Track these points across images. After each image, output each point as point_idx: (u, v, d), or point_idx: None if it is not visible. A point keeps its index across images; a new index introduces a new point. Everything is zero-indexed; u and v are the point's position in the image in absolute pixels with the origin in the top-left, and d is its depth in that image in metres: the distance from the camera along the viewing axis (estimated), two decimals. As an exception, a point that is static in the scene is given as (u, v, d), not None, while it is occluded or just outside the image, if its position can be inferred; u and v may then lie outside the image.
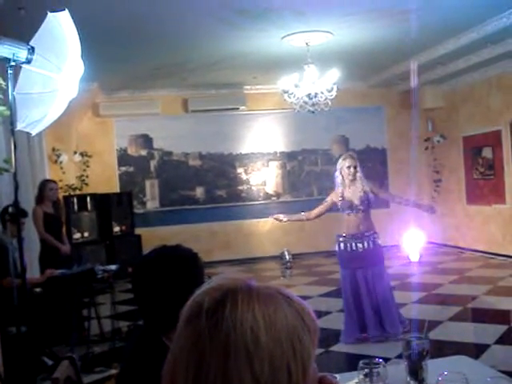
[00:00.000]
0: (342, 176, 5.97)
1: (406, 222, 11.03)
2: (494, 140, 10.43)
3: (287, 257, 10.96)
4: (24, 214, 5.89)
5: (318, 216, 6.38)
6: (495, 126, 10.35)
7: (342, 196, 5.99)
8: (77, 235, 10.30)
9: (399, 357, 2.77)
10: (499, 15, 7.51)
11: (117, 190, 11.45)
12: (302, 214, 6.59)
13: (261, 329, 0.90)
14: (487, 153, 10.74)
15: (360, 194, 5.95)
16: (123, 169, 11.67)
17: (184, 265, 1.94)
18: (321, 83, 8.13)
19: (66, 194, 10.31)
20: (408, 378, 2.11)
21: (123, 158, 11.66)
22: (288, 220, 6.72)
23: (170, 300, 1.78)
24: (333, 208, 6.19)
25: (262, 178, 12.28)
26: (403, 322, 5.94)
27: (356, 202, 5.95)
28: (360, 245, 5.93)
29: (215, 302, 0.93)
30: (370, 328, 5.84)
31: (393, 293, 6.11)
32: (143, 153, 11.76)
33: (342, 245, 6.03)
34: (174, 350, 0.96)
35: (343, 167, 5.96)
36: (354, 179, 5.93)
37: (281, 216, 6.63)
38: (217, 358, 0.89)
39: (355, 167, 5.91)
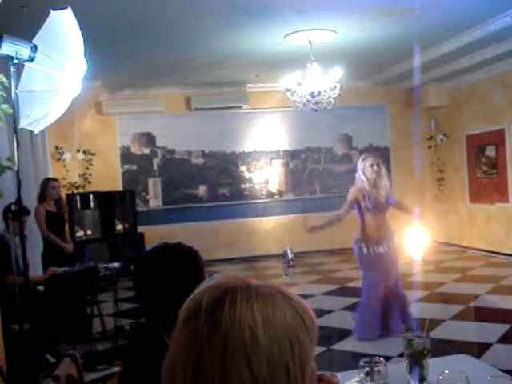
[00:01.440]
0: (366, 176, 5.81)
1: (408, 221, 11.01)
2: (498, 138, 10.42)
3: (290, 255, 10.96)
4: (26, 212, 5.89)
5: (346, 215, 6.06)
6: (498, 125, 10.33)
7: (369, 195, 5.82)
8: (80, 233, 10.31)
9: (401, 355, 2.77)
10: (503, 13, 7.50)
11: (120, 188, 11.46)
12: (334, 215, 6.18)
13: (259, 328, 0.90)
14: (490, 151, 10.73)
15: (385, 193, 5.89)
16: (126, 167, 11.68)
17: (184, 263, 1.94)
18: (324, 81, 8.13)
19: (69, 192, 10.32)
20: (409, 377, 2.11)
21: (126, 156, 11.67)
22: (322, 227, 6.36)
23: (170, 298, 1.78)
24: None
25: (265, 176, 12.27)
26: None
27: (382, 201, 5.87)
28: (382, 248, 5.87)
29: (214, 300, 0.94)
30: (393, 324, 5.85)
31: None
32: (146, 151, 11.77)
33: (364, 249, 5.89)
34: (173, 348, 0.97)
35: (365, 166, 5.82)
36: (378, 178, 5.82)
37: (316, 225, 6.43)
38: (215, 356, 0.89)
39: (378, 165, 5.81)
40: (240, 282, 0.98)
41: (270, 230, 12.12)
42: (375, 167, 5.78)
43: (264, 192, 12.28)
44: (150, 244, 8.62)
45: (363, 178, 5.82)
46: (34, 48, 3.56)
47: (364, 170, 5.82)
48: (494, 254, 10.55)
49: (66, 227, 7.65)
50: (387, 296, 5.88)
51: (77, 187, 10.64)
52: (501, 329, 6.05)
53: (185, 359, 0.92)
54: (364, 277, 6.05)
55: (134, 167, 11.72)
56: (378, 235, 5.87)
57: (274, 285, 1.00)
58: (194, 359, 0.91)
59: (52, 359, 5.15)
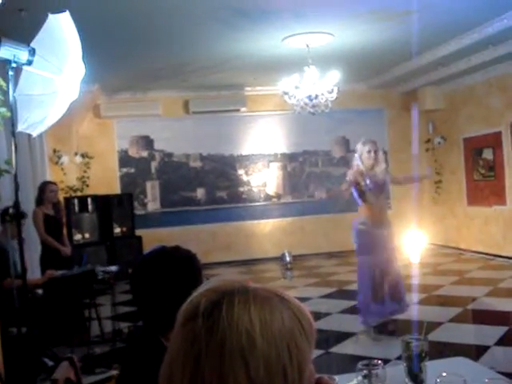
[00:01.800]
0: (362, 161, 5.96)
1: (406, 223, 11.04)
2: (495, 141, 10.44)
3: (288, 258, 10.96)
4: (23, 215, 5.89)
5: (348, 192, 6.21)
6: (496, 128, 10.35)
7: (368, 176, 5.93)
8: (78, 236, 10.32)
9: (398, 358, 2.78)
10: (500, 16, 7.52)
11: (118, 191, 11.46)
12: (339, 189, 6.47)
13: (256, 331, 0.90)
14: (488, 154, 10.74)
15: (382, 175, 6.05)
16: (124, 170, 11.68)
17: (182, 266, 1.94)
18: (321, 85, 8.14)
19: (67, 195, 10.31)
20: (407, 380, 2.11)
21: (124, 159, 11.67)
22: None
23: (168, 301, 1.78)
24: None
25: (263, 179, 12.28)
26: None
27: (381, 181, 6.04)
28: (384, 231, 6.08)
29: (212, 303, 0.94)
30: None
31: None
32: (144, 154, 11.77)
33: (365, 229, 6.06)
34: (170, 351, 0.97)
35: (363, 152, 5.98)
36: (375, 163, 5.97)
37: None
38: (212, 359, 0.89)
39: (375, 151, 5.96)
40: (238, 285, 0.98)
41: (267, 232, 12.13)
42: (372, 153, 5.93)
43: (262, 195, 12.28)
44: (147, 247, 8.64)
45: (359, 162, 5.96)
46: (32, 51, 3.56)
47: (361, 155, 5.97)
48: (491, 257, 10.56)
49: (64, 230, 7.65)
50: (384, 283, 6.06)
51: (75, 190, 10.63)
52: (499, 331, 6.05)
53: (182, 362, 0.92)
54: (360, 264, 6.24)
55: (132, 170, 11.72)
56: (380, 217, 6.05)
57: (272, 288, 1.00)
58: (191, 362, 0.91)
59: (50, 363, 5.14)
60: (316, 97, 8.16)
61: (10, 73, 3.58)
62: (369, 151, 5.92)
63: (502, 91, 10.17)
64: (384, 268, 6.07)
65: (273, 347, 0.91)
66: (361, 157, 5.97)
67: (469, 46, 8.64)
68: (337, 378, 1.82)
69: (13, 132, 3.68)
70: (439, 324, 6.39)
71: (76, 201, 10.49)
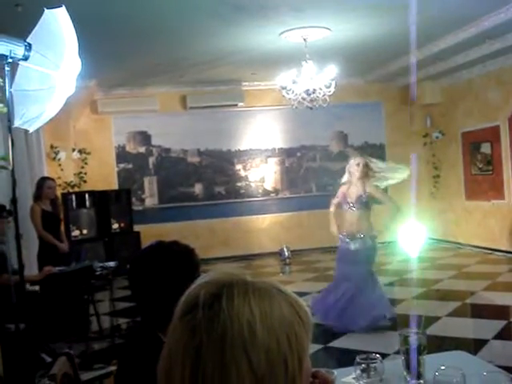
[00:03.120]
0: (350, 173, 6.35)
1: (404, 218, 11.04)
2: (493, 135, 10.44)
3: (286, 253, 10.96)
4: (10, 213, 5.87)
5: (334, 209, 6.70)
6: (494, 122, 10.35)
7: (345, 192, 6.38)
8: (75, 232, 10.30)
9: (397, 352, 2.78)
10: (497, 10, 7.51)
11: (115, 186, 11.45)
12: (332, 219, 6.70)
13: (257, 322, 0.91)
14: (486, 148, 10.74)
15: (359, 193, 6.27)
16: (122, 166, 11.67)
17: (180, 260, 1.94)
18: (319, 79, 8.13)
19: (65, 191, 10.30)
20: (405, 373, 2.11)
21: (121, 154, 11.65)
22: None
23: (166, 295, 1.78)
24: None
25: (261, 174, 12.27)
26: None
27: (351, 200, 6.31)
28: (351, 245, 6.31)
29: (211, 295, 0.93)
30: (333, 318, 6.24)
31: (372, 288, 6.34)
32: (142, 150, 11.76)
33: (340, 241, 6.46)
34: (169, 345, 0.96)
35: (352, 164, 6.33)
36: (360, 177, 6.27)
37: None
38: (214, 351, 0.89)
39: (363, 166, 6.27)
40: (236, 277, 0.98)
41: (266, 227, 12.13)
42: (360, 166, 6.26)
43: (260, 190, 12.28)
44: (146, 243, 8.64)
45: (348, 174, 6.39)
46: (29, 47, 3.55)
47: (350, 167, 6.36)
48: (489, 251, 10.57)
49: (62, 226, 7.64)
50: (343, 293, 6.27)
51: (72, 186, 10.61)
52: (497, 325, 6.07)
53: (182, 354, 0.92)
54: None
55: (130, 166, 11.71)
56: (351, 231, 6.32)
57: (270, 281, 1.01)
58: (192, 354, 0.90)
59: (48, 359, 5.14)
60: (314, 91, 8.15)
61: (7, 68, 3.56)
62: (357, 164, 6.27)
63: (499, 85, 10.17)
64: (346, 281, 6.31)
65: (273, 338, 0.91)
66: (349, 169, 6.35)
67: (466, 40, 8.64)
68: (335, 371, 1.82)
69: (9, 128, 3.67)
70: (438, 318, 6.41)
71: (73, 197, 10.48)
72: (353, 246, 6.28)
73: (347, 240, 6.33)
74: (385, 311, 6.21)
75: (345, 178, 6.48)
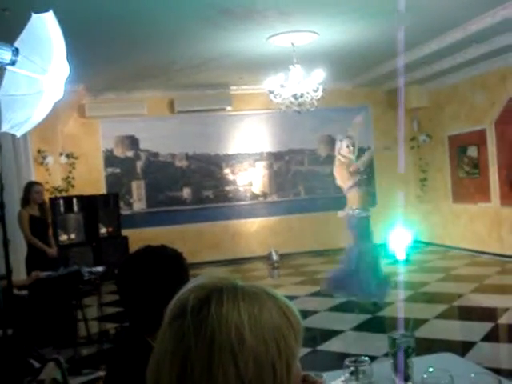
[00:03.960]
0: (343, 155, 6.75)
1: (392, 221, 11.10)
2: (479, 139, 10.50)
3: (274, 257, 10.97)
4: None
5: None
6: (480, 125, 10.42)
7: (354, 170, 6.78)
8: (63, 237, 10.26)
9: (386, 355, 2.79)
10: (483, 14, 7.56)
11: (103, 191, 11.41)
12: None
13: (246, 327, 0.90)
14: (472, 152, 10.81)
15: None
16: (109, 170, 11.63)
17: (168, 264, 1.94)
18: (306, 83, 8.15)
19: (52, 195, 10.25)
20: (393, 376, 2.12)
21: (109, 159, 11.62)
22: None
23: (154, 300, 1.78)
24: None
25: (249, 178, 12.28)
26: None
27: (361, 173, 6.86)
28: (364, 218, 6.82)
29: (200, 300, 0.94)
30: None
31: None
32: (129, 154, 11.73)
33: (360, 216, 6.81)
34: (158, 349, 0.96)
35: (342, 147, 6.73)
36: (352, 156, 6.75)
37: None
38: (201, 356, 0.89)
39: (353, 145, 6.71)
40: (226, 281, 0.98)
41: (254, 231, 12.13)
42: (351, 147, 6.70)
43: (248, 194, 12.28)
44: (134, 247, 8.62)
45: (339, 157, 6.76)
46: (16, 51, 3.53)
47: (341, 150, 6.73)
48: (477, 253, 10.63)
49: (50, 231, 7.61)
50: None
51: (60, 191, 10.57)
52: (484, 327, 6.11)
53: (170, 359, 0.92)
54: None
55: (118, 170, 11.67)
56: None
57: (260, 285, 1.01)
58: (179, 359, 0.91)
59: (36, 364, 5.11)
60: (301, 95, 8.18)
61: (-6, 73, 3.55)
62: (347, 146, 6.65)
63: (485, 89, 10.24)
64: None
65: (262, 343, 0.91)
66: (340, 152, 6.71)
67: (452, 44, 8.69)
68: (324, 375, 1.83)
69: (-4, 132, 3.65)
70: (425, 320, 6.43)
71: (61, 201, 10.44)
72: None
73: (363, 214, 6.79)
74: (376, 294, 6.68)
75: (336, 162, 6.86)
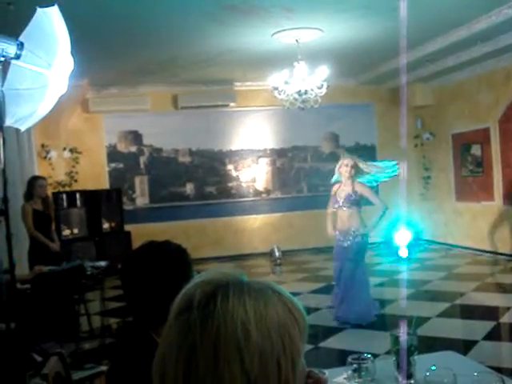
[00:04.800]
0: (339, 173, 6.55)
1: (395, 219, 11.09)
2: (483, 137, 10.49)
3: (277, 253, 10.97)
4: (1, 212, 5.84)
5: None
6: (484, 124, 10.40)
7: (336, 191, 6.61)
8: (66, 232, 10.28)
9: (388, 352, 2.79)
10: (488, 13, 7.54)
11: (106, 186, 11.42)
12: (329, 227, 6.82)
13: (251, 323, 0.91)
14: (476, 150, 10.79)
15: (348, 192, 6.48)
16: (113, 165, 11.64)
17: (172, 260, 1.94)
18: (311, 80, 8.15)
19: (56, 190, 10.27)
20: (396, 373, 2.12)
21: (113, 154, 11.62)
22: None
23: (158, 295, 1.78)
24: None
25: (252, 174, 12.28)
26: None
27: (341, 199, 6.51)
28: (344, 243, 6.50)
29: (206, 295, 0.94)
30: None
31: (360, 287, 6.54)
32: (133, 149, 11.73)
33: (336, 240, 6.64)
34: (163, 344, 0.96)
35: (342, 164, 6.51)
36: (349, 177, 6.46)
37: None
38: (207, 351, 0.89)
39: (352, 166, 6.44)
40: (232, 277, 0.98)
41: (257, 228, 12.13)
42: (349, 167, 6.44)
43: (251, 190, 12.28)
44: (136, 242, 8.63)
45: (337, 173, 6.60)
46: (21, 45, 3.54)
47: (340, 167, 6.55)
48: (479, 252, 10.62)
49: (53, 226, 7.62)
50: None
51: (63, 185, 10.59)
52: (487, 326, 6.11)
53: (176, 354, 0.92)
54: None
55: (121, 165, 11.68)
56: (343, 228, 6.52)
57: (266, 281, 1.01)
58: (185, 354, 0.91)
59: (39, 358, 5.12)
60: (305, 92, 8.17)
61: (-1, 67, 3.55)
62: (346, 165, 6.45)
63: (490, 87, 10.22)
64: (339, 275, 6.60)
65: (267, 339, 0.91)
66: (338, 169, 6.55)
67: (457, 42, 8.67)
68: (327, 371, 1.83)
69: (1, 126, 3.66)
70: (428, 319, 6.44)
71: (64, 196, 10.46)
72: (345, 244, 6.47)
73: (341, 238, 6.51)
74: (371, 310, 6.47)
75: (335, 178, 6.69)
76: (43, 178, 7.41)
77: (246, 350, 0.89)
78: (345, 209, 6.48)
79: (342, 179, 6.53)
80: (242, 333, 0.90)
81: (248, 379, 0.89)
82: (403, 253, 10.76)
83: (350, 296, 6.43)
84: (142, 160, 11.78)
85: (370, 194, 6.59)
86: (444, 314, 6.76)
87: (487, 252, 10.45)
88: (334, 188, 6.67)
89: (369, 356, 2.09)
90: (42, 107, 3.64)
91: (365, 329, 6.24)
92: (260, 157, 12.31)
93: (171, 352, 0.93)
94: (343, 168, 6.47)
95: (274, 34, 7.99)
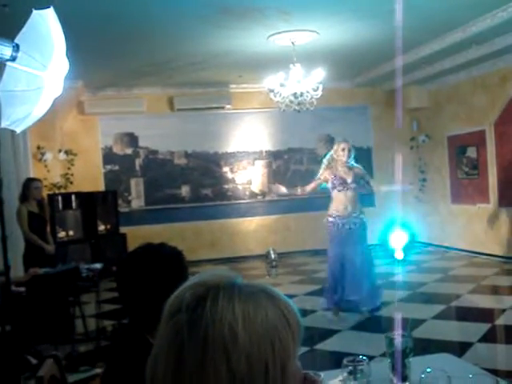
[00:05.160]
0: (336, 157, 6.72)
1: (390, 221, 11.11)
2: (479, 140, 10.51)
3: (273, 256, 10.95)
4: None
5: (311, 191, 7.20)
6: (479, 126, 10.42)
7: (335, 174, 6.72)
8: (61, 234, 10.26)
9: (383, 355, 2.79)
10: (483, 16, 7.56)
11: (102, 188, 11.40)
12: (298, 188, 7.29)
13: (239, 325, 0.91)
14: (471, 152, 10.81)
15: (349, 174, 6.71)
16: (108, 167, 11.63)
17: (168, 262, 1.94)
18: (306, 82, 8.15)
19: (51, 192, 10.25)
20: (391, 376, 2.13)
21: (108, 156, 11.61)
22: (284, 192, 7.59)
23: (154, 297, 1.78)
24: (324, 188, 6.94)
25: (248, 176, 12.28)
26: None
27: (349, 179, 6.68)
28: (347, 226, 6.65)
29: (196, 297, 0.95)
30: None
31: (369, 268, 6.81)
32: (128, 151, 11.72)
33: (331, 224, 6.76)
34: (156, 345, 0.98)
35: (338, 149, 6.71)
36: (346, 161, 6.68)
37: (281, 187, 7.53)
38: (195, 352, 0.90)
39: (349, 150, 6.69)
40: (224, 279, 0.98)
41: (252, 230, 12.13)
42: (346, 151, 6.67)
43: (247, 192, 12.28)
44: (132, 245, 8.62)
45: (331, 158, 6.80)
46: (16, 47, 3.53)
47: (336, 151, 6.75)
48: (475, 254, 10.64)
49: (48, 228, 7.60)
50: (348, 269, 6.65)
51: (58, 187, 10.57)
52: (482, 328, 6.12)
53: (166, 355, 0.93)
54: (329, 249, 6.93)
55: (117, 167, 11.67)
56: (346, 213, 6.66)
57: (261, 284, 1.01)
58: (174, 355, 0.92)
59: (34, 361, 5.12)
60: (301, 94, 8.18)
61: (-6, 69, 3.55)
62: (343, 149, 6.66)
63: (485, 90, 10.24)
64: (342, 261, 6.67)
65: (255, 342, 0.91)
66: (336, 153, 6.72)
67: (453, 44, 8.69)
68: (322, 374, 1.83)
69: (-4, 128, 3.65)
70: (423, 321, 6.44)
71: (60, 198, 10.44)
72: (348, 226, 6.63)
73: (343, 220, 6.64)
74: (370, 301, 6.65)
75: (325, 163, 6.87)
76: (39, 180, 7.40)
77: (232, 352, 0.90)
78: (348, 191, 6.66)
79: (338, 164, 6.69)
80: (229, 334, 0.90)
81: (234, 380, 0.89)
82: (399, 255, 10.78)
83: (358, 279, 6.57)
84: (138, 162, 11.77)
85: (366, 175, 6.98)
86: (439, 316, 6.77)
87: (483, 254, 10.46)
88: (329, 172, 6.79)
89: (364, 358, 2.09)
90: (38, 109, 3.63)
91: (360, 331, 6.25)
92: (256, 159, 12.31)
93: (162, 352, 0.95)
94: (339, 153, 6.67)
95: (269, 36, 8.00)
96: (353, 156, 6.77)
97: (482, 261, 10.23)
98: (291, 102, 8.26)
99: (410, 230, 11.54)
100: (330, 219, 6.75)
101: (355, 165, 6.85)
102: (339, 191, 6.70)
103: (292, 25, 7.53)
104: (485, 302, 7.40)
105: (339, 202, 6.70)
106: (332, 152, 6.80)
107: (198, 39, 8.01)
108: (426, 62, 9.96)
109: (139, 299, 1.90)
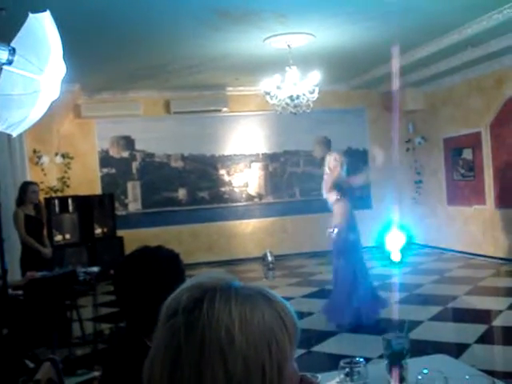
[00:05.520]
0: (331, 169, 6.66)
1: (387, 223, 11.13)
2: (474, 142, 10.53)
3: (270, 258, 10.96)
4: None
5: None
6: (475, 128, 10.44)
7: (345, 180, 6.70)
8: (58, 237, 10.25)
9: (380, 356, 2.80)
10: (479, 18, 7.58)
11: (98, 191, 11.40)
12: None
13: (236, 327, 0.91)
14: (467, 154, 10.84)
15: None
16: (105, 170, 11.62)
17: (165, 265, 1.94)
18: (303, 85, 8.17)
19: (48, 195, 10.24)
20: (388, 377, 2.13)
21: (105, 159, 11.61)
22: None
23: (152, 301, 1.78)
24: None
25: (245, 179, 12.28)
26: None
27: (336, 192, 6.62)
28: (354, 235, 6.64)
29: (193, 299, 0.95)
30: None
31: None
32: (125, 154, 11.72)
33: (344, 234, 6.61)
34: (153, 348, 0.98)
35: (331, 160, 6.67)
36: (340, 171, 6.62)
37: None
38: (191, 354, 0.90)
39: (340, 157, 6.69)
40: (221, 281, 0.98)
41: (249, 233, 12.14)
42: (338, 159, 6.65)
43: (244, 195, 12.29)
44: (129, 248, 8.61)
45: (327, 171, 6.71)
46: (13, 51, 3.53)
47: (329, 163, 6.68)
48: (471, 256, 10.65)
49: (45, 231, 7.59)
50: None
51: (55, 191, 10.56)
52: (479, 329, 6.12)
53: (162, 357, 0.93)
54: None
55: (113, 171, 11.66)
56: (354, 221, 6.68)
57: (258, 286, 1.01)
58: (170, 357, 0.92)
59: (31, 364, 5.11)
60: (297, 97, 8.19)
61: (-10, 72, 3.55)
62: (335, 159, 6.64)
63: (481, 92, 10.27)
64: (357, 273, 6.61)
65: (251, 344, 0.92)
66: (329, 166, 6.66)
67: (448, 47, 8.71)
68: (320, 376, 1.83)
69: (-7, 132, 3.65)
70: (420, 322, 6.45)
71: (56, 201, 10.43)
72: (351, 237, 6.61)
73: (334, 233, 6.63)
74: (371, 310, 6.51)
75: (325, 175, 6.79)
76: (35, 184, 7.39)
77: (229, 354, 0.90)
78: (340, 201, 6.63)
79: (334, 174, 6.62)
80: (225, 337, 0.90)
81: (231, 382, 0.89)
82: (396, 257, 10.78)
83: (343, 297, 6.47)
84: (135, 165, 11.77)
85: (358, 180, 6.98)
86: (436, 318, 6.77)
87: (479, 256, 10.48)
88: (338, 177, 6.63)
89: (361, 360, 2.09)
90: (34, 113, 3.63)
91: (357, 333, 6.25)
92: (252, 161, 12.32)
93: (158, 355, 0.95)
94: (332, 163, 6.63)
95: (265, 39, 8.01)
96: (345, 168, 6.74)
97: (478, 262, 10.25)
98: (287, 104, 8.27)
99: (407, 231, 11.55)
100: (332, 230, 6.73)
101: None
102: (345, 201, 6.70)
103: (288, 27, 7.55)
104: (481, 303, 7.41)
105: (347, 209, 6.71)
106: (327, 164, 6.76)
107: (194, 42, 8.02)
108: (422, 64, 9.98)
109: (136, 302, 1.90)
